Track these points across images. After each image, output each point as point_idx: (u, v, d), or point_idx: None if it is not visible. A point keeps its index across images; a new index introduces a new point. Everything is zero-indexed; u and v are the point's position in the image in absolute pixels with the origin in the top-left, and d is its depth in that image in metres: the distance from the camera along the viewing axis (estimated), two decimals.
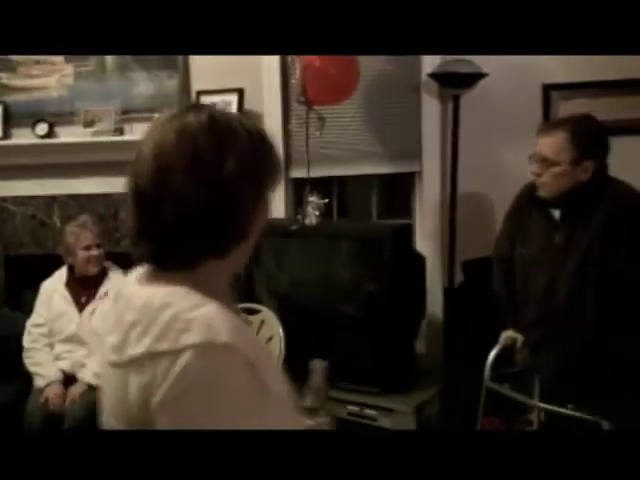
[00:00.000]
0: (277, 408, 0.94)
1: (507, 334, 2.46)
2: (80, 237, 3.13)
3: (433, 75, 3.18)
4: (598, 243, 2.24)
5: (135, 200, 0.99)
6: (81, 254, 3.12)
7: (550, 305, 2.34)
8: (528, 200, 2.46)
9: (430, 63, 3.23)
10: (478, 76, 3.11)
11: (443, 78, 3.17)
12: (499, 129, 3.31)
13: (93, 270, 3.14)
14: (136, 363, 0.92)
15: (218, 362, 0.89)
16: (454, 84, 3.18)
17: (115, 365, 0.97)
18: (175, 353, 0.88)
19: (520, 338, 2.44)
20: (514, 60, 3.09)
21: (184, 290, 0.96)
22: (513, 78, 3.25)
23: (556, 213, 2.36)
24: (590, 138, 2.28)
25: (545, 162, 2.29)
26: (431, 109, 3.38)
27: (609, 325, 2.23)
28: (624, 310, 2.23)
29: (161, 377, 0.89)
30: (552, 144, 2.28)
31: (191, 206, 0.95)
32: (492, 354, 2.42)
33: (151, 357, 0.90)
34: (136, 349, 0.92)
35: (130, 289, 1.02)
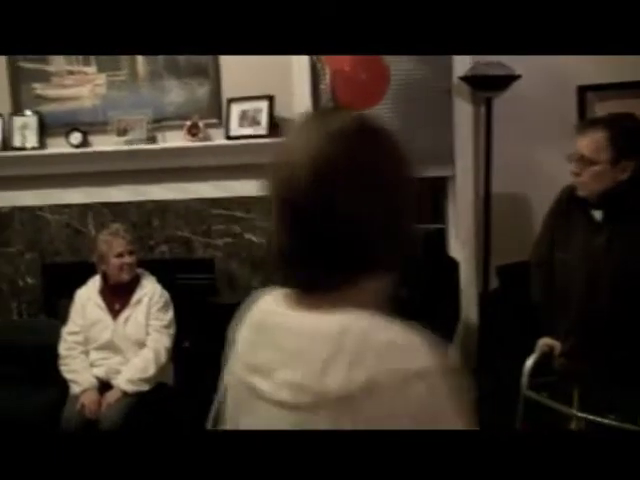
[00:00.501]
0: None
1: (544, 341, 2.41)
2: (112, 245, 3.16)
3: (465, 78, 3.15)
4: (638, 245, 2.18)
5: (288, 215, 0.85)
6: (114, 262, 3.15)
7: (588, 311, 2.28)
8: (568, 203, 2.40)
9: (461, 66, 3.20)
10: (511, 78, 3.06)
11: (475, 81, 3.13)
12: (533, 132, 3.26)
13: (126, 277, 3.17)
14: (333, 399, 0.80)
15: (431, 388, 0.79)
16: (487, 87, 3.14)
17: (289, 406, 0.84)
18: (375, 384, 0.78)
19: (558, 345, 2.38)
20: (547, 62, 3.04)
21: (360, 312, 0.84)
22: (547, 80, 3.20)
23: (597, 215, 2.30)
24: (629, 137, 2.23)
25: (583, 161, 2.24)
26: (463, 112, 3.35)
27: None
28: None
29: (364, 410, 0.78)
30: (590, 143, 2.23)
31: (361, 218, 0.83)
32: (529, 362, 2.37)
33: (358, 390, 0.79)
34: (330, 383, 0.80)
35: (286, 317, 0.89)
